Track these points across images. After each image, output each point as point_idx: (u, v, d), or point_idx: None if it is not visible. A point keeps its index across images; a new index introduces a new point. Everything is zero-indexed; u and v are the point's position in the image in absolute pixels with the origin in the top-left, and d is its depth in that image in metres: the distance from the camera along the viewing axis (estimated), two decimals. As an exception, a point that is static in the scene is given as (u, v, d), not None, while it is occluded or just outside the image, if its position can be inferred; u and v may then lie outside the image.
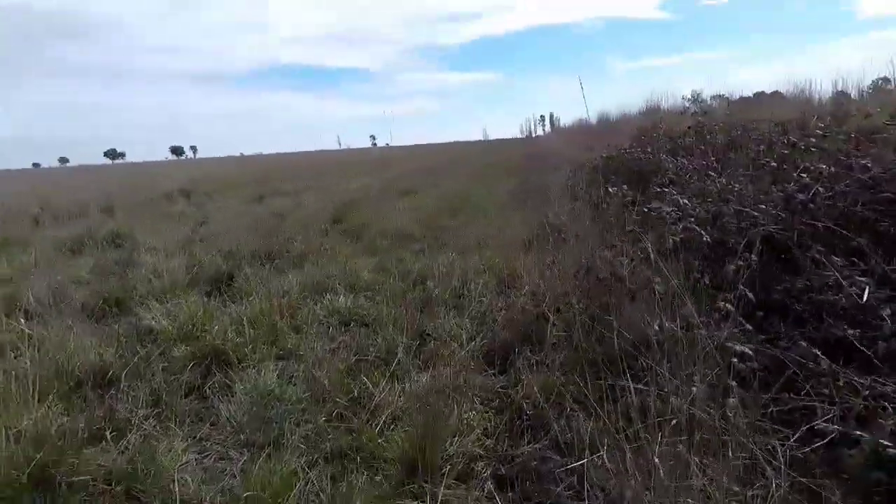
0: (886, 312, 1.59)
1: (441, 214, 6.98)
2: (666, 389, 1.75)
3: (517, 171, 13.50)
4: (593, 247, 3.06)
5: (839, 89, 7.88)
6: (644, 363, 1.87)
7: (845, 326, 1.63)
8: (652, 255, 2.18)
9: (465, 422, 2.04)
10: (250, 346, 2.83)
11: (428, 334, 2.81)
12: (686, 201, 2.32)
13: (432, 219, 6.61)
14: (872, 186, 2.15)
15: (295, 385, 2.49)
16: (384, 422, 2.11)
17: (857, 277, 1.74)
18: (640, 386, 1.77)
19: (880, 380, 1.37)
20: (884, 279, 1.72)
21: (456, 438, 1.94)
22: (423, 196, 9.08)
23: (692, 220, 2.23)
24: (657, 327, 1.98)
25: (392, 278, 4.06)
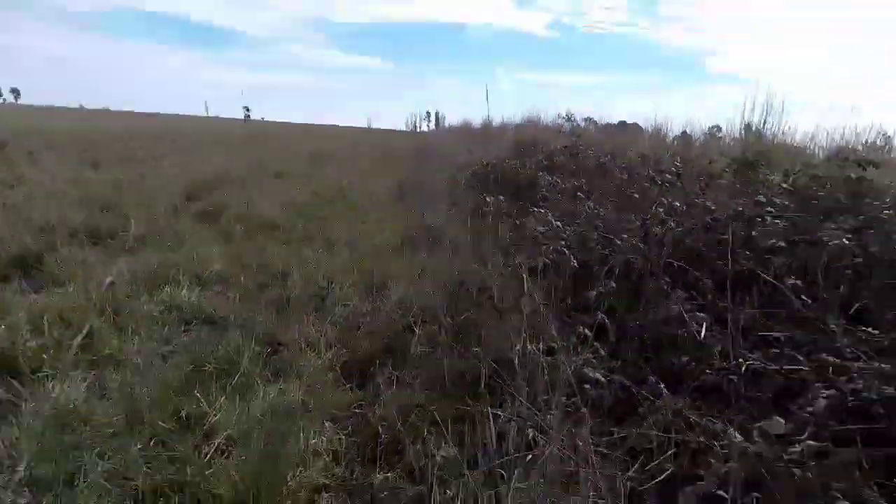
0: (718, 349, 1.72)
1: (314, 204, 6.57)
2: (523, 416, 1.73)
3: (400, 165, 13.34)
4: (466, 258, 3.03)
5: (685, 131, 9.02)
6: (506, 387, 1.84)
7: (685, 358, 1.74)
8: (524, 274, 2.17)
9: (313, 447, 1.83)
10: (52, 351, 2.30)
11: (279, 343, 2.53)
12: (558, 223, 2.35)
13: (303, 208, 6.18)
14: (712, 228, 2.37)
15: (109, 401, 2.06)
16: (217, 449, 1.82)
17: (697, 313, 1.87)
18: (498, 412, 1.74)
19: (712, 418, 1.46)
20: (719, 317, 1.87)
21: (300, 468, 1.73)
22: (297, 182, 8.50)
23: (563, 242, 2.27)
24: (520, 349, 1.97)
25: (249, 271, 3.67)
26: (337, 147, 18.88)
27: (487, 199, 3.58)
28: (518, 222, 3.04)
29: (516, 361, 1.82)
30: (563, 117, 10.53)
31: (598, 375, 1.81)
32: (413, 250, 3.94)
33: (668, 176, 2.74)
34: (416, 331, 2.42)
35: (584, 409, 1.70)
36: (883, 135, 4.72)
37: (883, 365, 1.44)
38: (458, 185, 6.04)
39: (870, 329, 1.67)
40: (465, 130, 16.86)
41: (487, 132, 11.99)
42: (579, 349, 1.98)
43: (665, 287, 2.12)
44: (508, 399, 1.83)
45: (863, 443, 1.34)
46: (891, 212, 2.06)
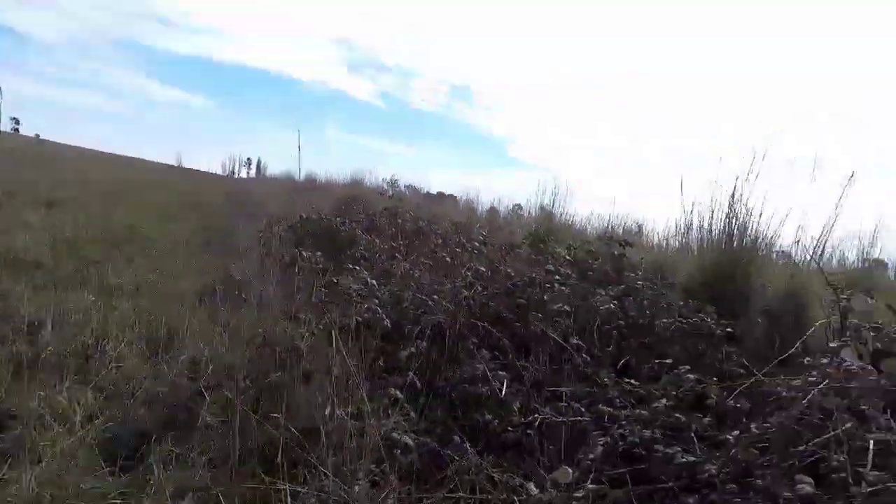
0: (517, 405, 1.84)
1: (94, 242, 5.52)
2: (327, 489, 1.58)
3: (210, 209, 12.22)
4: (276, 314, 2.80)
5: (493, 206, 10.22)
6: (308, 458, 1.67)
7: (489, 416, 1.81)
8: (334, 333, 2.07)
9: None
10: None
11: (12, 416, 1.96)
12: (373, 281, 2.34)
13: (79, 246, 5.15)
14: (512, 292, 2.61)
15: None
16: None
17: (498, 372, 1.99)
18: (298, 488, 1.56)
19: (513, 474, 1.52)
20: (518, 375, 2.02)
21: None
22: (75, 213, 7.11)
23: (376, 301, 2.25)
24: (328, 414, 1.84)
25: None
26: (138, 182, 16.58)
27: (304, 253, 3.44)
28: (335, 280, 2.96)
29: (322, 428, 1.69)
30: (387, 181, 11.02)
31: (408, 439, 1.77)
32: (215, 303, 3.53)
33: (477, 244, 3.00)
34: (208, 397, 2.10)
35: (392, 477, 1.63)
36: (636, 222, 6.01)
37: (642, 412, 1.70)
38: (273, 236, 5.71)
39: (632, 381, 1.98)
40: (286, 182, 16.37)
41: (311, 186, 11.83)
42: (389, 411, 1.93)
43: (472, 347, 2.23)
44: (312, 471, 1.67)
45: (631, 482, 1.54)
46: (642, 283, 2.55)
